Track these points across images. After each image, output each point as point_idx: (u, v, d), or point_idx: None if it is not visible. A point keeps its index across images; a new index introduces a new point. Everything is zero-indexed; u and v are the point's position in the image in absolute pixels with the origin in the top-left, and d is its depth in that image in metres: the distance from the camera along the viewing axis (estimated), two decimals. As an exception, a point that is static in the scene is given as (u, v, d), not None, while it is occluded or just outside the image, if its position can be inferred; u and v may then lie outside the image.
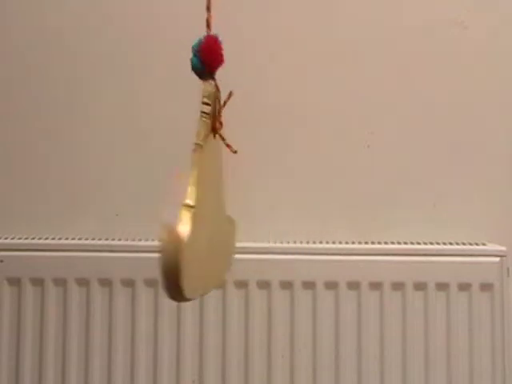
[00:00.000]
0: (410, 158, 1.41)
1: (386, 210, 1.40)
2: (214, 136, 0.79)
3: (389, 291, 1.28)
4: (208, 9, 0.78)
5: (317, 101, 1.40)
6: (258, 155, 1.40)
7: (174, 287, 0.70)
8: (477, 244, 1.34)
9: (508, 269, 1.29)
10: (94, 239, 1.32)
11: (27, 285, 1.28)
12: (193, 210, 0.73)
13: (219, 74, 0.78)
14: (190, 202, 0.73)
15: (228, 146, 0.81)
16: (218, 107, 0.79)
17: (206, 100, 0.77)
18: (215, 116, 0.78)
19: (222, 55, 0.78)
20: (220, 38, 0.78)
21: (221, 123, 0.79)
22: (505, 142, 1.41)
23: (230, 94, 0.79)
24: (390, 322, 1.28)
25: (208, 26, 0.78)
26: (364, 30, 1.40)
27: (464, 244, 1.34)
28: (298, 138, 1.40)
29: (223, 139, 0.80)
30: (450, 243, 1.34)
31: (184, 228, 0.71)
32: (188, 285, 0.71)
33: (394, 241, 1.35)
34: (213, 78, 0.79)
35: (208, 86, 0.77)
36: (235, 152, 0.81)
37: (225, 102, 0.79)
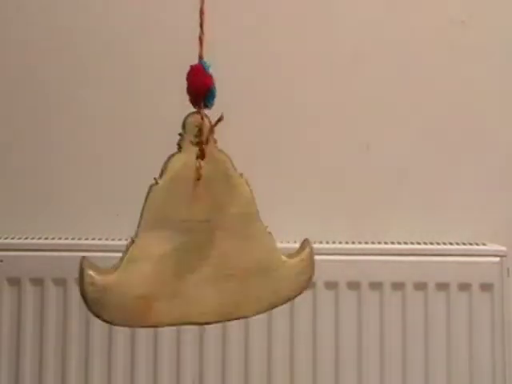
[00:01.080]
0: (409, 158, 1.41)
1: (385, 210, 1.40)
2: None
3: (389, 291, 1.28)
4: (201, 26, 0.76)
5: (317, 101, 1.40)
6: (257, 155, 1.40)
7: None
8: (477, 244, 1.34)
9: (508, 269, 1.29)
10: (93, 239, 1.33)
11: (27, 285, 1.28)
12: None
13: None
14: None
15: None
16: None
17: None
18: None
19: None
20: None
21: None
22: (505, 142, 1.41)
23: (221, 118, 0.76)
24: (389, 321, 1.28)
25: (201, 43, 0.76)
26: (364, 31, 1.40)
27: (464, 244, 1.34)
28: (297, 138, 1.40)
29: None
30: (450, 243, 1.34)
31: None
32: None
33: (394, 241, 1.35)
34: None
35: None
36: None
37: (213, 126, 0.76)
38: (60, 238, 1.33)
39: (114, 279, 0.72)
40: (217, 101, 0.75)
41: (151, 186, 0.76)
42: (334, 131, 1.40)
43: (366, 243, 1.34)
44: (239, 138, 1.37)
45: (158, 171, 0.80)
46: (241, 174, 0.77)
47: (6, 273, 1.28)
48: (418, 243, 1.34)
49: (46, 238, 1.34)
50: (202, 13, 0.75)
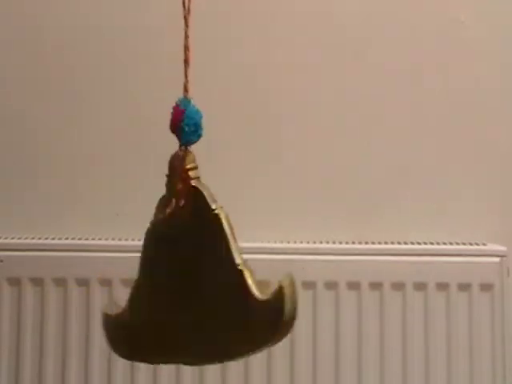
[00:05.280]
0: (410, 157, 1.41)
1: (386, 210, 1.40)
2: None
3: (389, 291, 1.28)
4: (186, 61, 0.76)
5: (317, 100, 1.40)
6: (258, 154, 1.40)
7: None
8: (477, 244, 1.34)
9: (508, 269, 1.29)
10: (93, 239, 1.33)
11: (27, 285, 1.28)
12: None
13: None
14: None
15: None
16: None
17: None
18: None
19: None
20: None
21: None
22: (505, 142, 1.41)
23: None
24: (389, 321, 1.28)
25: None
26: (364, 30, 1.40)
27: (464, 244, 1.34)
28: (297, 138, 1.40)
29: None
30: (450, 243, 1.34)
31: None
32: None
33: (394, 241, 1.35)
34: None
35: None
36: None
37: None
38: (60, 238, 1.33)
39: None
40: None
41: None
42: (334, 131, 1.40)
43: (366, 243, 1.34)
44: (239, 137, 1.37)
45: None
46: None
47: (6, 273, 1.28)
48: (418, 243, 1.34)
49: (46, 238, 1.34)
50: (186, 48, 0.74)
